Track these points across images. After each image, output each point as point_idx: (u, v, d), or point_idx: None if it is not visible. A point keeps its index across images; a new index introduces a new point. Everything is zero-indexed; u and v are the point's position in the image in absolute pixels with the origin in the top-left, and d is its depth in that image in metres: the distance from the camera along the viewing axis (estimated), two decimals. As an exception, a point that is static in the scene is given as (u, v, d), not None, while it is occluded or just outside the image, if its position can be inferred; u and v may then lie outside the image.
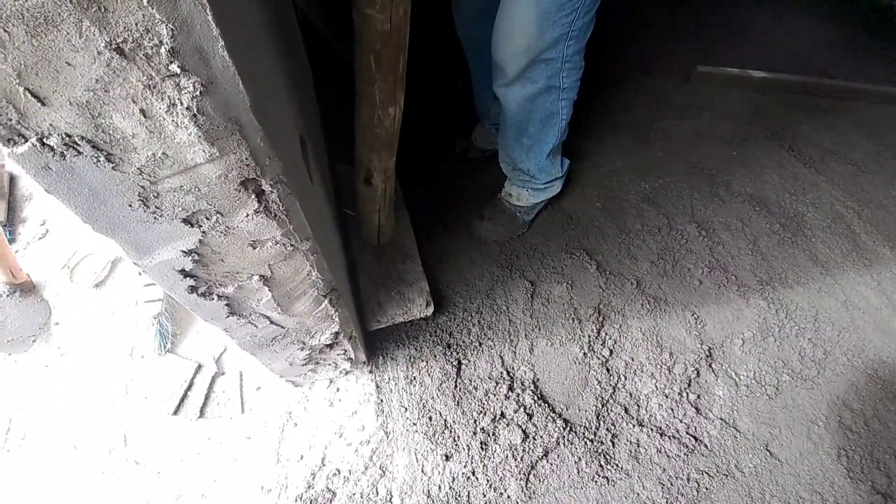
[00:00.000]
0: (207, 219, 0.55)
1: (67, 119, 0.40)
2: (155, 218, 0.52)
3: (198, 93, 0.41)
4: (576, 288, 1.38)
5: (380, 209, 1.20)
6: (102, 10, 0.34)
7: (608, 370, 1.25)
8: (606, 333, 1.31)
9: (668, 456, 1.15)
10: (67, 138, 0.41)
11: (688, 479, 1.12)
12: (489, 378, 1.22)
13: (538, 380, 1.22)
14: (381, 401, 1.21)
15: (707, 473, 1.13)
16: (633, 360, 1.28)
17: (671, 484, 1.11)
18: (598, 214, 1.55)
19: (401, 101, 0.94)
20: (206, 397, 1.19)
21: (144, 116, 0.42)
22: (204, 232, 0.56)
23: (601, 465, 1.12)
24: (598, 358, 1.27)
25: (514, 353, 1.26)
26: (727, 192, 1.62)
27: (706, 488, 1.12)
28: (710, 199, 1.60)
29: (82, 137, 0.41)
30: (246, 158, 0.49)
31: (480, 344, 1.28)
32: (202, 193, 0.51)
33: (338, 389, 1.22)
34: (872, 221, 1.58)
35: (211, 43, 0.39)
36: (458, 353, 1.26)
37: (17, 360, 1.28)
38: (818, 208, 1.61)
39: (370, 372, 1.24)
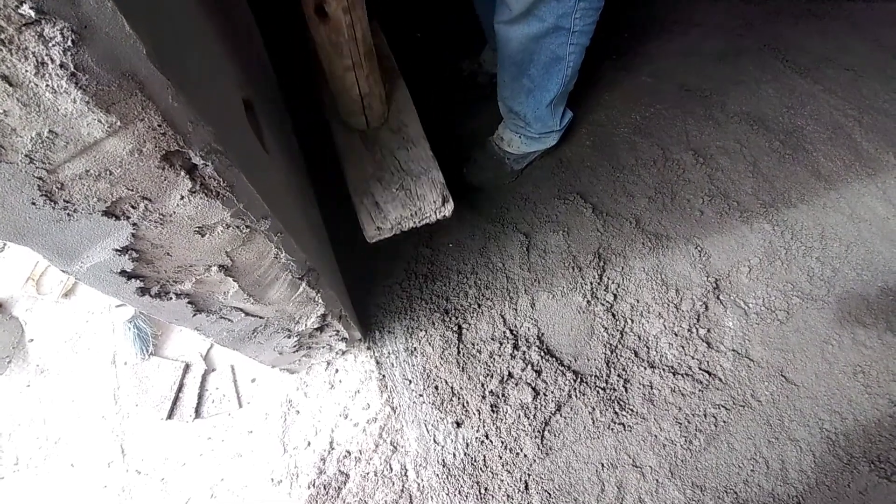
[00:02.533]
0: (134, 207, 0.46)
1: None
2: (69, 214, 0.43)
3: (69, 42, 0.31)
4: (572, 235, 1.30)
5: (355, 66, 0.90)
6: None
7: (614, 315, 1.20)
8: (609, 278, 1.25)
9: (682, 394, 1.12)
10: None
11: (705, 415, 1.10)
12: (492, 339, 1.17)
13: (543, 335, 1.17)
14: (384, 376, 1.16)
15: (723, 407, 1.11)
16: (638, 301, 1.23)
17: (688, 422, 1.09)
18: (588, 154, 1.46)
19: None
20: (200, 397, 1.14)
21: (10, 84, 0.32)
22: (135, 224, 0.47)
23: (616, 413, 1.09)
24: (603, 304, 1.22)
25: (516, 310, 1.21)
26: (722, 113, 1.52)
27: (724, 422, 1.09)
28: (705, 123, 1.50)
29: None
30: (159, 125, 0.39)
31: (479, 305, 1.22)
32: (116, 177, 0.42)
33: (336, 371, 1.17)
34: (873, 128, 1.50)
35: (69, -32, 0.29)
36: (457, 318, 1.20)
37: (-6, 383, 1.21)
38: (817, 120, 1.52)
39: (368, 349, 1.19)
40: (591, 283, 1.24)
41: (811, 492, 1.04)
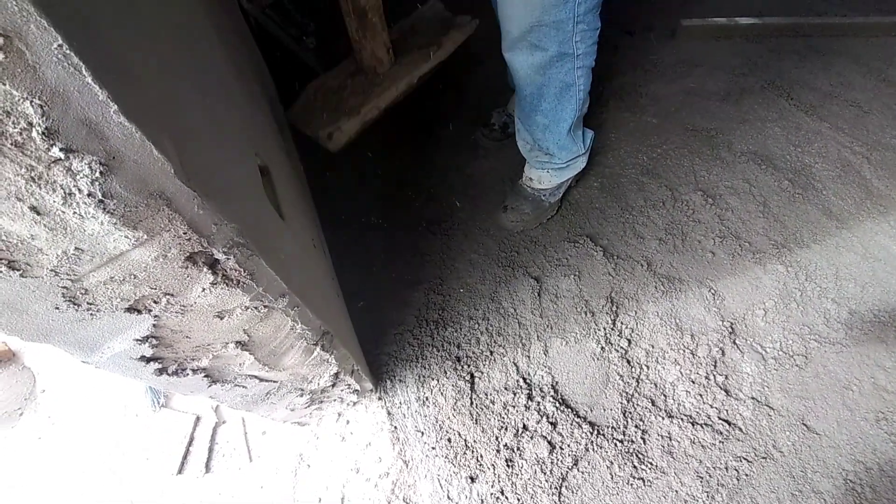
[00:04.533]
0: (156, 302, 0.46)
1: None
2: (91, 314, 0.44)
3: (97, 174, 0.32)
4: (584, 278, 1.30)
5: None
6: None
7: (629, 362, 1.19)
8: (622, 323, 1.24)
9: (702, 446, 1.09)
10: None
11: (726, 468, 1.06)
12: (506, 389, 1.15)
13: (557, 383, 1.16)
14: (395, 427, 1.14)
15: (745, 459, 1.08)
16: (653, 347, 1.21)
17: (709, 476, 1.06)
18: (596, 195, 1.46)
19: None
20: (210, 450, 1.12)
21: (38, 214, 0.33)
22: (156, 316, 0.48)
23: (635, 467, 1.06)
24: (617, 350, 1.20)
25: (529, 357, 1.19)
26: (729, 152, 1.53)
27: (746, 475, 1.06)
28: (712, 162, 1.51)
29: (-36, 252, 0.33)
30: (185, 233, 0.40)
31: (492, 353, 1.20)
32: (140, 280, 0.42)
33: (348, 422, 1.15)
34: (882, 165, 1.50)
35: (100, 111, 0.30)
36: (469, 366, 1.19)
37: (6, 435, 1.21)
38: (825, 157, 1.52)
39: (379, 399, 1.17)
40: (605, 329, 1.23)
41: (841, 551, 1.00)
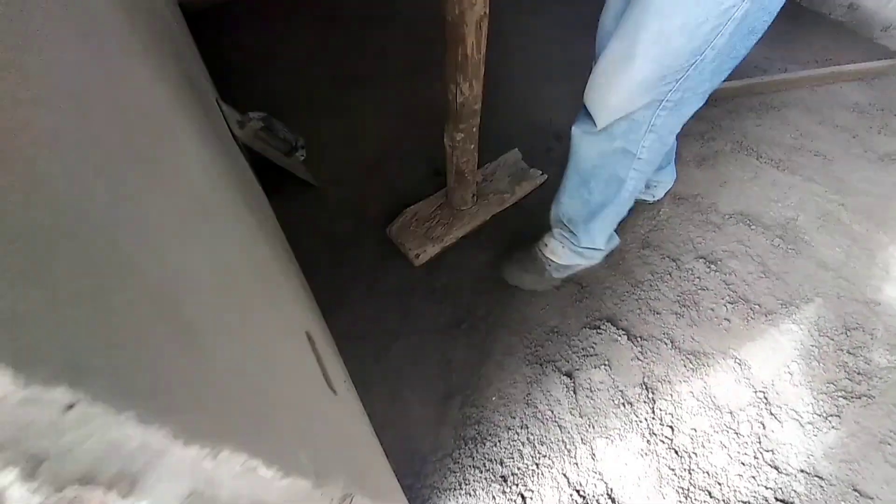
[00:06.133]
0: None
1: None
2: None
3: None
4: (614, 367, 1.29)
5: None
6: None
7: (676, 452, 1.16)
8: (660, 409, 1.22)
9: (769, 535, 1.06)
10: None
11: (798, 557, 1.04)
12: (561, 505, 1.10)
13: (612, 490, 1.11)
14: (452, 568, 1.06)
15: (813, 542, 1.05)
16: (696, 431, 1.19)
17: (785, 568, 1.03)
18: (604, 274, 1.48)
19: (463, 87, 1.10)
20: None
21: None
22: None
23: (709, 573, 1.02)
24: (663, 441, 1.18)
25: (577, 465, 1.15)
26: (718, 215, 1.60)
27: (818, 560, 1.04)
28: (705, 228, 1.57)
29: None
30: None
31: (538, 465, 1.15)
32: None
33: (400, 572, 1.06)
34: (858, 209, 1.61)
35: None
36: (517, 486, 1.13)
37: None
38: (805, 210, 1.61)
39: (430, 538, 1.09)
40: (646, 419, 1.21)
41: None
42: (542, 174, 1.70)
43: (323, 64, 2.14)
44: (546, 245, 1.37)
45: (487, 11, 0.94)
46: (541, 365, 1.30)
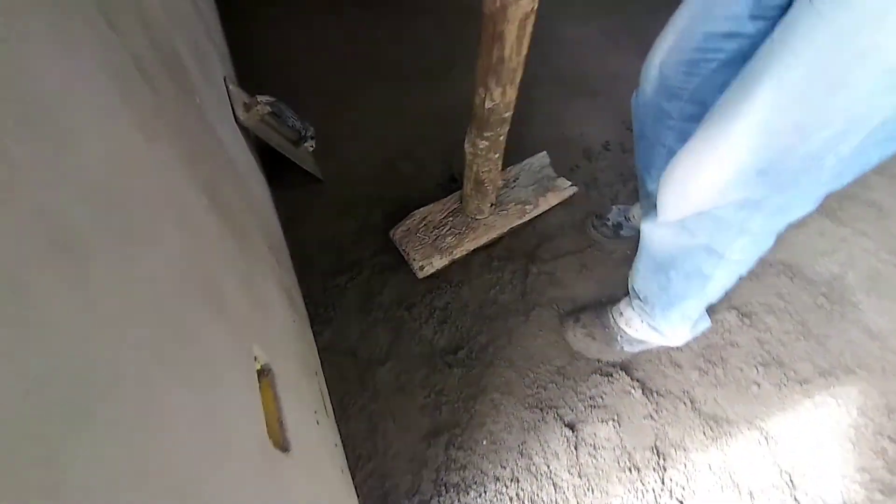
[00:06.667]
0: None
1: None
2: None
3: None
4: (623, 424, 1.15)
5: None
6: None
7: (684, 533, 1.02)
8: (672, 480, 1.08)
9: None
10: None
11: None
12: (547, 578, 0.96)
13: (608, 569, 0.98)
14: None
15: None
16: (709, 510, 1.05)
17: None
18: (623, 314, 1.33)
19: (494, 92, 0.95)
20: None
21: None
22: None
23: None
24: (670, 518, 1.04)
25: (570, 534, 1.01)
26: (758, 264, 1.44)
27: None
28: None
29: None
30: None
31: (526, 528, 1.02)
32: None
33: None
34: (913, 273, 1.44)
35: None
36: (501, 548, 1.00)
37: None
38: (854, 267, 1.45)
39: None
40: (653, 489, 1.06)
41: None
42: (571, 185, 1.52)
43: (350, 53, 2.01)
44: (621, 313, 1.18)
45: (536, 7, 0.79)
46: (541, 410, 1.17)
